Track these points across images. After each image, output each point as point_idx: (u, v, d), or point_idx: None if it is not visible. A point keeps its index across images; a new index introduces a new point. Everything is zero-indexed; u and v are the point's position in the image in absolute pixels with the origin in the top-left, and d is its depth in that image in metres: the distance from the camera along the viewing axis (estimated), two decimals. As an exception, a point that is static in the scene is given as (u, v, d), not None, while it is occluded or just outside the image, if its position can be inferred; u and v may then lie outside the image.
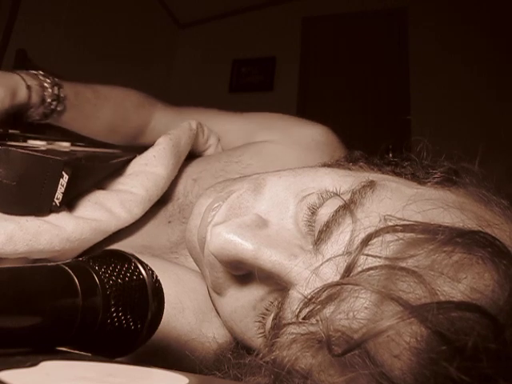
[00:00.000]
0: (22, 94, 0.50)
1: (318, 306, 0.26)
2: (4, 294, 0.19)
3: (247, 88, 2.95)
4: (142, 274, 0.25)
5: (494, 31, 2.37)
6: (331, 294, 0.26)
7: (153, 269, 0.26)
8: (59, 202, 0.43)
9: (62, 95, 0.54)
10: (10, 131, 0.57)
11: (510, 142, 1.89)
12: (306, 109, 2.71)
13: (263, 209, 0.33)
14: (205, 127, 0.62)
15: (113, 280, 0.24)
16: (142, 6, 2.70)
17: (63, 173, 0.42)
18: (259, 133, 0.59)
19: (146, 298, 0.25)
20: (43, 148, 0.49)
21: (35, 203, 0.43)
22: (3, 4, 1.87)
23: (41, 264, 0.23)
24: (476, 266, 0.25)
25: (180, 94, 2.89)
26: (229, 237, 0.29)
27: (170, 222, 0.53)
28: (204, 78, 2.91)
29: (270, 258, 0.29)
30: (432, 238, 0.25)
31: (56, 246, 0.42)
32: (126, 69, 2.55)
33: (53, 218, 0.43)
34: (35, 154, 0.42)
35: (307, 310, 0.26)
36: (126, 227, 0.49)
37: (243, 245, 0.29)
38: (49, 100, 0.53)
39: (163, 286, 0.26)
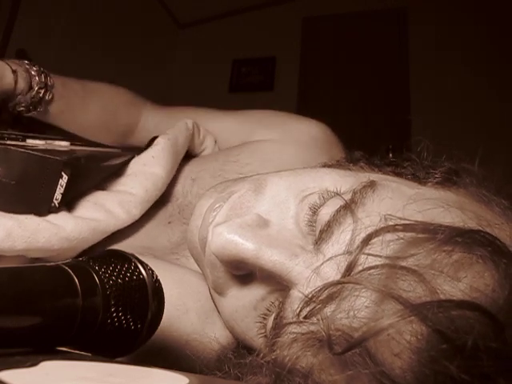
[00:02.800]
0: (8, 79, 0.48)
1: (319, 305, 0.26)
2: (4, 294, 0.19)
3: (247, 88, 2.95)
4: (142, 274, 0.25)
5: (493, 31, 2.37)
6: (332, 292, 0.26)
7: (153, 269, 0.26)
8: (58, 203, 0.43)
9: (49, 83, 0.52)
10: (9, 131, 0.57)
11: (511, 141, 1.89)
12: (306, 109, 2.71)
13: (264, 209, 0.33)
14: (200, 127, 0.62)
15: (113, 280, 0.24)
16: (142, 5, 2.70)
17: (62, 173, 0.42)
18: (256, 131, 0.59)
19: (146, 297, 0.25)
20: (42, 147, 0.49)
21: (34, 203, 0.42)
22: (3, 4, 1.87)
23: (41, 264, 0.23)
24: (476, 265, 0.25)
25: (180, 94, 2.89)
26: (230, 237, 0.29)
27: (169, 223, 0.53)
28: (204, 78, 2.91)
29: (270, 257, 0.29)
30: (432, 237, 0.25)
31: (54, 245, 0.42)
32: (126, 69, 2.55)
33: (52, 217, 0.43)
34: (34, 153, 0.42)
35: (308, 309, 0.26)
36: (126, 228, 0.49)
37: (244, 244, 0.29)
38: (36, 87, 0.51)
39: (166, 288, 0.26)
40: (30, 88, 0.51)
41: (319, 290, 0.26)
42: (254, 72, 2.94)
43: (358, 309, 0.25)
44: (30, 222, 0.41)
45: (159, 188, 0.51)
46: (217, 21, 3.02)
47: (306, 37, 2.86)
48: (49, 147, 0.50)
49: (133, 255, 0.26)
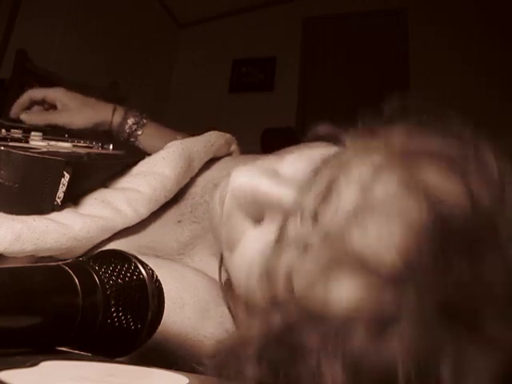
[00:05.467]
0: (107, 115, 0.62)
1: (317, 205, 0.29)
2: (5, 294, 0.19)
3: (247, 88, 2.95)
4: (142, 274, 0.25)
5: (494, 31, 2.37)
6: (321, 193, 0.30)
7: (153, 269, 0.26)
8: (61, 201, 0.43)
9: (143, 122, 0.64)
10: (13, 131, 0.57)
11: (511, 142, 1.89)
12: (306, 109, 2.71)
13: (281, 168, 0.36)
14: (227, 136, 0.64)
15: (113, 280, 0.24)
16: (142, 5, 2.70)
17: (64, 172, 0.43)
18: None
19: (146, 298, 0.25)
20: (44, 149, 0.49)
21: (37, 204, 0.43)
22: (3, 4, 1.87)
23: (41, 264, 0.23)
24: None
25: (180, 94, 2.89)
26: (249, 175, 0.34)
27: (179, 222, 0.53)
28: (204, 77, 2.91)
29: (286, 191, 0.31)
30: None
31: (63, 245, 0.42)
32: (126, 69, 2.55)
33: (60, 216, 0.43)
34: (36, 155, 0.42)
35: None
36: (133, 226, 0.49)
37: (261, 183, 0.33)
38: (130, 122, 0.63)
39: (164, 282, 0.26)
40: (124, 122, 0.63)
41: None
42: (254, 72, 2.94)
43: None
44: (38, 224, 0.41)
45: (167, 189, 0.51)
46: (217, 21, 3.02)
47: (306, 37, 2.86)
48: (51, 149, 0.51)
49: (133, 255, 0.26)
